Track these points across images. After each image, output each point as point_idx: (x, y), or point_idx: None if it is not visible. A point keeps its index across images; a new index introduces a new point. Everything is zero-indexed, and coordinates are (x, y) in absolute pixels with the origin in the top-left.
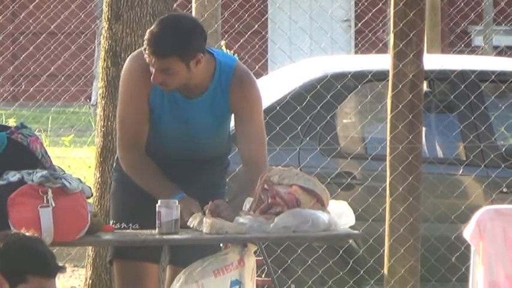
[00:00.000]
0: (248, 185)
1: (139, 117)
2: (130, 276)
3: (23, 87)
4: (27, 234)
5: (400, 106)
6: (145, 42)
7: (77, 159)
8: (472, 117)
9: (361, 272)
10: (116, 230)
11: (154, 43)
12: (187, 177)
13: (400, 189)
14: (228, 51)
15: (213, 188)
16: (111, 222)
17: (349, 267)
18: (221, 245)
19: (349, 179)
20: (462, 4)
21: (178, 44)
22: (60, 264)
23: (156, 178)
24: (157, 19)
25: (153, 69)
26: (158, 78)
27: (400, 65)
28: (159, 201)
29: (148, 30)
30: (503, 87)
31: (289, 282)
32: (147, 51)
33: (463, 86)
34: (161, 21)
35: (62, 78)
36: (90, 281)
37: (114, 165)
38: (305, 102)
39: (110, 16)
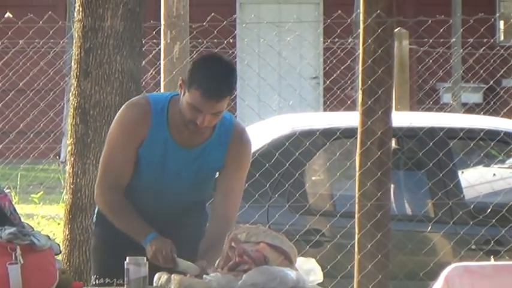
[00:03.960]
0: (219, 241)
1: (125, 163)
2: None
3: None
4: None
5: (369, 163)
6: (200, 87)
7: (46, 217)
8: (441, 174)
9: None
10: (99, 284)
11: (214, 88)
12: (165, 228)
13: (369, 246)
14: None
15: (191, 238)
16: (93, 277)
17: None
18: None
19: (317, 236)
20: (431, 61)
21: (234, 83)
22: None
23: (131, 218)
24: (195, 61)
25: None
26: (207, 122)
27: (369, 122)
28: (127, 259)
29: (197, 76)
30: (472, 144)
31: None
32: (203, 97)
33: (431, 143)
34: (208, 64)
35: (31, 135)
36: None
37: (95, 219)
38: (274, 159)
39: (78, 73)
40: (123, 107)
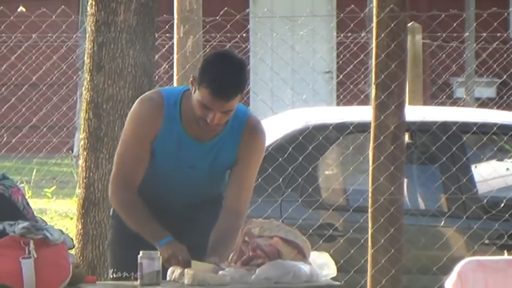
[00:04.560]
0: (230, 234)
1: (141, 158)
2: None
3: (5, 138)
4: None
5: (382, 158)
6: (209, 86)
7: (59, 211)
8: (454, 169)
9: None
10: (117, 278)
11: (224, 88)
12: (181, 224)
13: (382, 240)
14: None
15: (207, 234)
16: (110, 270)
17: None
18: None
19: (331, 231)
20: (444, 56)
21: (244, 82)
22: None
23: (145, 219)
24: (206, 59)
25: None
26: (217, 120)
27: (382, 117)
28: (140, 253)
29: (207, 75)
30: (485, 138)
31: None
32: (212, 96)
33: (444, 138)
34: (218, 63)
35: (44, 130)
36: None
37: (112, 212)
38: (287, 154)
39: (91, 67)
40: (136, 102)
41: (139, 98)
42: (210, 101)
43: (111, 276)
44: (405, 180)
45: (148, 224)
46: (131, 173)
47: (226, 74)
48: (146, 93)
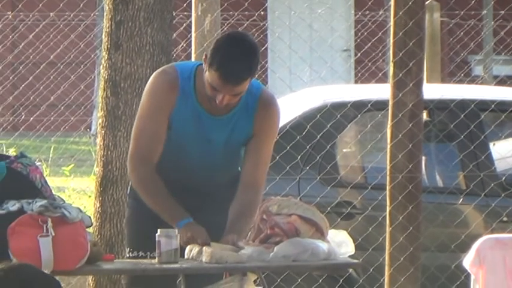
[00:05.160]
0: (248, 209)
1: (158, 133)
2: None
3: (23, 117)
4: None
5: (400, 135)
6: (218, 70)
7: (76, 189)
8: (472, 147)
9: None
10: (133, 257)
11: (232, 73)
12: (199, 203)
13: (400, 218)
14: None
15: (225, 213)
16: (127, 250)
17: None
18: None
19: (349, 209)
20: (462, 34)
21: (254, 66)
22: None
23: (164, 198)
24: (218, 40)
25: (210, 89)
26: (226, 101)
27: (400, 95)
28: (158, 231)
29: (217, 58)
30: (503, 116)
31: None
32: (221, 80)
33: (462, 116)
34: (228, 47)
35: (62, 108)
36: None
37: (129, 190)
38: (305, 132)
39: (109, 46)
40: (151, 77)
41: (153, 73)
42: (218, 84)
43: (128, 255)
44: (423, 158)
45: (168, 203)
46: (149, 149)
47: (236, 58)
48: (160, 68)
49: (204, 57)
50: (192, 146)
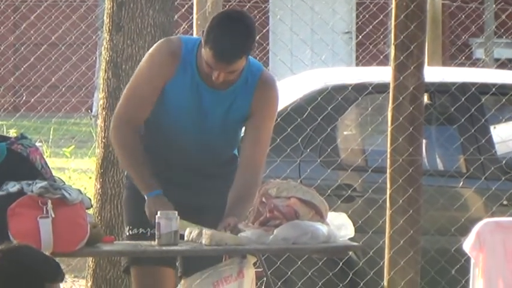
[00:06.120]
0: (248, 192)
1: (149, 98)
2: (148, 281)
3: (24, 97)
4: (21, 244)
5: (401, 118)
6: (212, 48)
7: (77, 170)
8: (473, 130)
9: (361, 284)
10: (133, 235)
11: (226, 52)
12: (188, 180)
13: (400, 201)
14: None
15: (222, 195)
16: (126, 228)
17: (349, 279)
18: None
19: (349, 191)
20: (463, 17)
21: (249, 45)
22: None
23: (140, 163)
24: (214, 18)
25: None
26: (222, 78)
27: (401, 78)
28: (158, 213)
29: (211, 36)
30: (504, 99)
31: None
32: (215, 58)
33: (463, 99)
34: (223, 25)
35: (63, 89)
36: None
37: (126, 172)
38: (306, 114)
39: (110, 27)
40: (157, 43)
41: (161, 40)
42: (213, 62)
43: (127, 234)
44: (424, 140)
45: (142, 169)
46: (137, 111)
47: (230, 38)
48: (167, 37)
49: (201, 33)
50: (187, 120)
